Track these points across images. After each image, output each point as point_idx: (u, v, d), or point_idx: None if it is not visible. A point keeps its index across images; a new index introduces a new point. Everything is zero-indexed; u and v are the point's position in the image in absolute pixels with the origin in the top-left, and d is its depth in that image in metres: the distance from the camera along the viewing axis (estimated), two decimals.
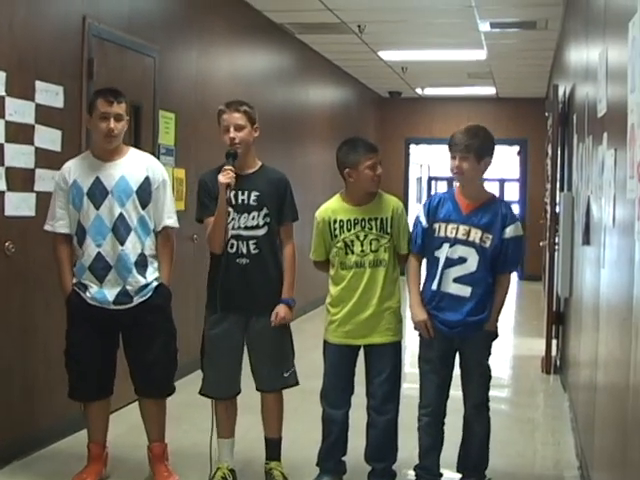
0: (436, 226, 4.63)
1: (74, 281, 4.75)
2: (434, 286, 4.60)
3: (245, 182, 4.81)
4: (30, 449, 5.42)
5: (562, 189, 8.24)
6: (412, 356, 8.46)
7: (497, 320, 4.65)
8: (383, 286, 4.75)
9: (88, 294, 4.70)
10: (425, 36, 11.02)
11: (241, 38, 9.16)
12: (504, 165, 19.77)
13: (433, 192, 27.02)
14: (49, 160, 5.48)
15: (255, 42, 9.71)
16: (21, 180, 5.25)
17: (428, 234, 4.66)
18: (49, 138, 5.50)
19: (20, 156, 5.22)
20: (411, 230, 4.81)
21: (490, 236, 4.54)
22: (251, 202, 4.78)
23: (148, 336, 4.76)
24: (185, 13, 7.64)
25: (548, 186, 10.88)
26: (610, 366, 3.92)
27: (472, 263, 4.55)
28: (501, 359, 9.07)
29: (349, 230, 4.77)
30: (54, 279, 5.44)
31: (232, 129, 4.78)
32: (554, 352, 8.39)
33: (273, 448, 4.99)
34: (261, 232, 4.78)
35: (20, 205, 5.25)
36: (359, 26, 10.19)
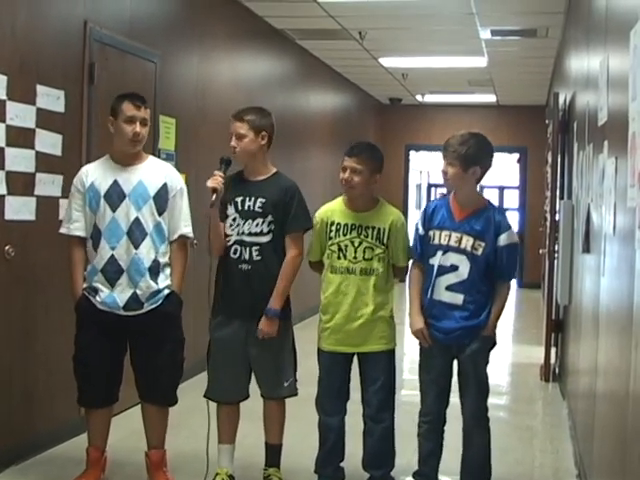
0: (431, 233, 4.61)
1: (84, 286, 4.73)
2: (428, 294, 4.59)
3: (253, 188, 4.81)
4: (29, 453, 5.41)
5: (562, 197, 8.24)
6: (410, 363, 8.50)
7: (495, 327, 4.61)
8: (374, 295, 4.74)
9: (98, 298, 4.68)
10: (426, 43, 11.03)
11: (242, 44, 9.17)
12: (504, 172, 19.80)
13: (432, 199, 27.06)
14: (50, 164, 5.48)
15: (256, 48, 9.73)
16: (22, 184, 5.25)
17: (425, 241, 4.65)
18: (50, 142, 5.50)
19: (21, 160, 5.22)
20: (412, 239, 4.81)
21: (482, 244, 4.50)
22: (256, 209, 4.78)
23: (156, 343, 4.74)
24: (186, 18, 7.65)
25: (548, 194, 10.88)
26: (610, 374, 3.92)
27: (463, 271, 4.51)
28: (500, 367, 9.07)
29: (344, 235, 4.77)
30: (54, 283, 5.46)
31: (233, 138, 4.80)
32: (553, 360, 8.38)
33: (273, 454, 4.99)
34: (265, 239, 4.78)
35: (20, 209, 5.25)
36: (360, 32, 10.20)
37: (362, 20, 9.64)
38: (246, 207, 4.78)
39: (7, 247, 5.13)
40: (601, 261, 4.28)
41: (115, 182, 4.71)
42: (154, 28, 7.01)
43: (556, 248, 8.02)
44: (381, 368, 4.81)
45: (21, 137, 5.22)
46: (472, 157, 4.49)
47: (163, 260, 4.77)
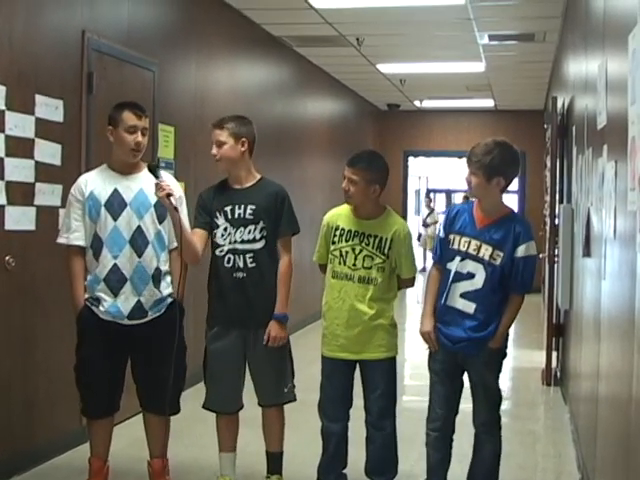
0: (451, 237, 4.55)
1: (86, 296, 4.70)
2: (442, 299, 4.53)
3: (241, 196, 4.82)
4: (30, 464, 5.40)
5: (561, 201, 8.25)
6: (412, 369, 8.51)
7: (502, 338, 4.53)
8: (373, 304, 4.72)
9: (101, 308, 4.66)
10: (423, 49, 11.05)
11: (240, 51, 9.18)
12: None
13: (432, 204, 27.06)
14: (49, 174, 5.48)
15: (254, 55, 9.74)
16: (21, 194, 5.25)
17: (444, 244, 4.59)
18: (49, 152, 5.50)
19: (20, 170, 5.22)
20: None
21: (501, 254, 4.41)
22: (247, 216, 4.78)
23: (159, 352, 4.71)
24: (184, 27, 7.66)
25: (547, 198, 10.89)
26: (612, 378, 3.91)
27: (479, 280, 4.44)
28: (502, 371, 9.04)
29: (347, 241, 4.77)
30: (55, 293, 5.45)
31: (214, 146, 4.82)
32: (554, 364, 8.38)
33: (274, 462, 4.98)
34: (258, 245, 4.78)
35: (20, 219, 5.25)
36: (357, 39, 10.22)
37: (360, 26, 9.65)
38: (236, 215, 4.78)
39: (7, 257, 5.13)
40: (602, 265, 4.28)
41: (115, 191, 4.69)
42: (152, 37, 7.02)
43: (556, 252, 8.03)
44: (381, 376, 4.80)
45: (20, 147, 5.22)
46: (496, 168, 4.39)
47: (164, 268, 4.77)
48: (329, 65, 12.53)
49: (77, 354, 4.77)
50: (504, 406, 7.50)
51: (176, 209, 4.57)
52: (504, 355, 4.63)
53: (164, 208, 4.73)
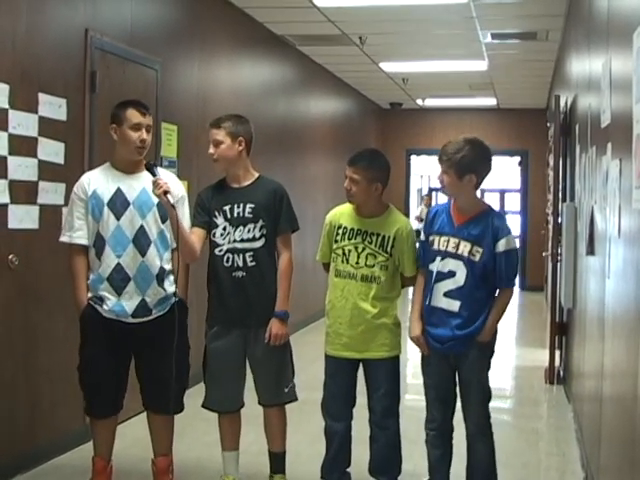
0: (431, 239, 4.55)
1: (89, 295, 4.68)
2: (427, 301, 4.53)
3: (239, 195, 4.81)
4: (34, 463, 5.40)
5: (564, 199, 8.24)
6: (414, 367, 8.48)
7: (490, 333, 4.49)
8: (376, 302, 4.71)
9: (105, 307, 4.64)
10: (426, 47, 11.04)
11: (242, 50, 9.18)
12: (505, 176, 19.82)
13: (434, 203, 27.07)
14: (52, 173, 5.48)
15: (256, 54, 9.73)
16: (24, 193, 5.25)
17: (427, 247, 4.59)
18: (52, 151, 5.50)
19: (23, 169, 5.22)
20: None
21: (480, 249, 4.40)
22: (246, 214, 4.77)
23: (162, 351, 4.69)
24: (187, 25, 7.66)
25: (550, 196, 10.88)
26: (617, 377, 3.91)
27: (460, 277, 4.43)
28: (504, 370, 9.06)
29: (349, 239, 4.76)
30: (58, 292, 5.45)
31: (211, 145, 4.82)
32: (557, 363, 8.37)
33: (277, 462, 4.98)
34: (258, 244, 4.77)
35: (24, 218, 5.24)
36: (360, 38, 10.21)
37: (362, 25, 9.65)
38: (235, 214, 4.77)
39: (11, 256, 5.13)
40: (606, 263, 4.28)
41: (118, 190, 4.68)
42: (155, 35, 7.02)
43: (559, 251, 8.02)
44: (384, 375, 4.79)
45: (24, 146, 5.22)
46: (467, 165, 4.38)
47: (167, 267, 4.76)
48: (332, 64, 12.53)
49: (80, 353, 4.76)
50: (507, 405, 7.57)
51: (173, 207, 4.56)
52: (493, 352, 4.59)
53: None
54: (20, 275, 5.24)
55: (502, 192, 22.72)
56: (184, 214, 4.81)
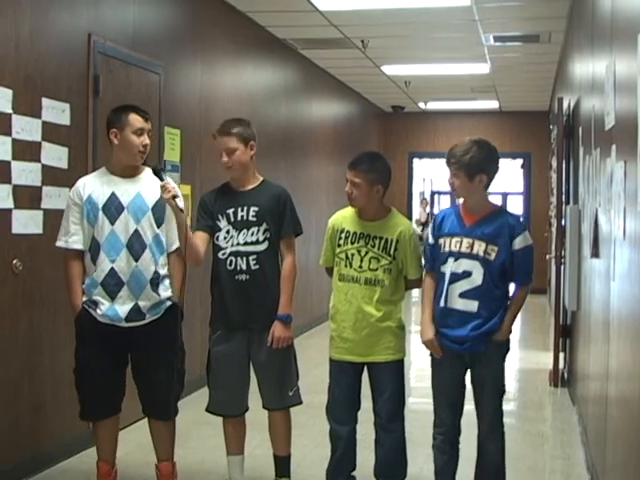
0: (441, 241, 4.52)
1: (84, 299, 4.69)
2: (441, 303, 4.49)
3: (243, 198, 4.81)
4: (38, 468, 5.40)
5: (568, 202, 8.23)
6: (418, 371, 8.49)
7: (508, 332, 4.52)
8: (380, 306, 4.70)
9: (99, 311, 4.64)
10: (428, 50, 11.04)
11: (245, 54, 9.18)
12: (508, 178, 19.82)
13: (436, 206, 27.07)
14: (56, 177, 5.48)
15: (259, 58, 9.74)
16: (28, 198, 5.25)
17: (435, 250, 4.57)
18: (56, 155, 5.50)
19: (27, 174, 5.22)
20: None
21: (495, 248, 4.40)
22: (250, 218, 4.77)
23: (157, 356, 4.71)
24: (189, 29, 7.66)
25: (553, 199, 10.89)
26: (622, 379, 3.90)
27: (477, 277, 4.41)
28: (508, 372, 9.02)
29: (352, 243, 4.75)
30: (62, 296, 5.44)
31: (224, 154, 4.78)
32: (562, 365, 8.37)
33: (282, 465, 4.97)
34: (261, 247, 4.76)
35: (28, 223, 5.24)
36: (362, 41, 10.22)
37: (364, 29, 9.65)
38: (239, 217, 4.77)
39: (15, 261, 5.13)
40: (611, 266, 4.27)
41: (113, 194, 4.68)
42: (157, 40, 7.02)
43: (563, 253, 8.02)
44: (389, 378, 4.78)
45: (27, 150, 5.22)
46: (476, 165, 4.39)
47: (162, 271, 4.75)
48: (334, 67, 12.53)
49: (75, 357, 4.76)
50: (511, 407, 7.55)
51: (182, 210, 4.56)
52: (508, 349, 4.60)
53: (162, 211, 4.72)
54: (24, 280, 5.24)
55: (505, 195, 22.69)
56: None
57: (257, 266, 4.75)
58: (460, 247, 4.45)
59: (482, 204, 4.54)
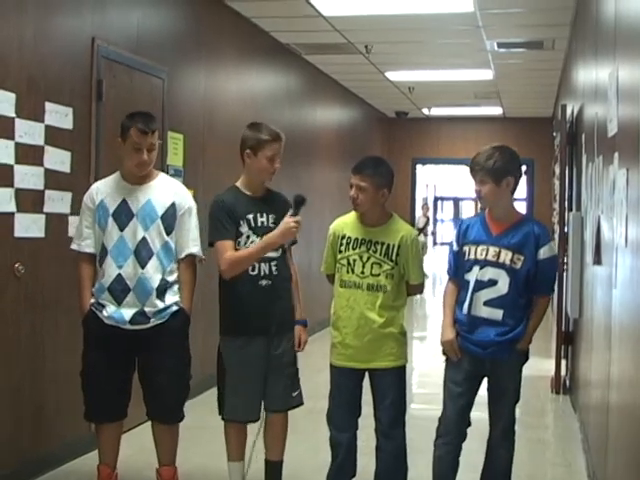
0: (466, 249, 4.52)
1: (92, 301, 4.71)
2: (465, 310, 4.49)
3: (260, 205, 4.79)
4: (39, 471, 5.40)
5: (570, 209, 8.23)
6: (420, 376, 8.49)
7: (531, 339, 4.52)
8: (383, 312, 4.69)
9: (105, 313, 4.65)
10: (432, 56, 11.05)
11: (248, 59, 9.19)
12: None
13: (439, 212, 27.09)
14: (59, 181, 5.49)
15: (262, 63, 9.74)
16: (31, 201, 5.25)
17: (459, 257, 4.57)
18: (59, 159, 5.50)
19: (30, 177, 5.22)
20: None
21: (522, 257, 4.40)
22: (270, 224, 4.76)
23: (162, 360, 4.71)
24: (193, 34, 7.67)
25: (555, 206, 10.88)
26: (624, 387, 3.90)
27: (503, 285, 4.42)
28: None
29: (354, 249, 4.75)
30: (64, 300, 5.46)
31: (277, 160, 4.83)
32: (564, 372, 8.35)
33: (276, 471, 4.93)
34: (278, 254, 4.78)
35: (30, 226, 5.25)
36: (366, 46, 10.22)
37: (368, 34, 9.66)
38: (259, 223, 4.75)
39: (17, 264, 5.13)
40: (613, 273, 4.26)
41: (124, 201, 4.70)
42: (161, 44, 7.02)
43: (565, 260, 8.01)
44: (390, 385, 4.77)
45: (30, 154, 5.22)
46: (502, 169, 4.43)
47: (171, 278, 4.75)
48: (338, 73, 12.54)
49: (83, 359, 4.78)
50: None
51: (285, 250, 4.72)
52: (527, 358, 4.63)
53: (172, 219, 4.73)
54: (26, 283, 5.24)
55: None
56: (190, 227, 4.80)
57: (277, 272, 4.76)
58: (486, 255, 4.45)
59: (509, 212, 4.57)
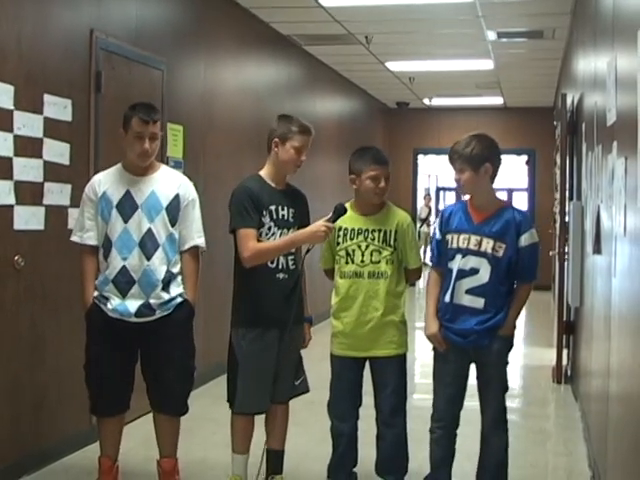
0: (449, 237, 4.55)
1: (95, 294, 4.70)
2: (447, 298, 4.52)
3: (281, 197, 4.79)
4: (40, 463, 5.41)
5: (571, 198, 8.22)
6: (422, 367, 8.49)
7: (513, 327, 4.55)
8: (384, 299, 4.72)
9: (109, 306, 4.64)
10: (432, 46, 11.03)
11: (248, 50, 9.18)
12: (512, 175, 19.80)
13: (441, 202, 27.04)
14: (58, 173, 5.49)
15: (262, 54, 9.73)
16: (30, 194, 5.25)
17: (442, 246, 4.59)
18: (58, 151, 5.50)
19: (29, 170, 5.22)
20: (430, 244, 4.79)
21: (503, 245, 4.42)
22: (290, 218, 4.77)
23: (167, 352, 4.71)
24: (192, 25, 7.65)
25: (557, 195, 10.86)
26: (623, 375, 3.90)
27: (484, 274, 4.44)
28: (511, 369, 9.01)
29: (352, 239, 4.77)
30: (64, 292, 5.46)
31: (304, 153, 4.96)
32: (565, 362, 8.36)
33: (278, 460, 4.93)
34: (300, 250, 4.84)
35: (29, 219, 5.25)
36: (366, 37, 10.21)
37: (368, 24, 9.64)
38: (280, 216, 4.74)
39: (16, 257, 5.13)
40: (612, 262, 4.27)
41: (127, 192, 4.69)
42: (160, 36, 7.01)
43: (566, 250, 8.00)
44: (391, 373, 4.79)
45: (29, 147, 5.22)
46: (479, 156, 4.44)
47: (175, 270, 4.75)
48: (338, 63, 12.52)
49: (86, 352, 4.77)
50: (514, 404, 7.54)
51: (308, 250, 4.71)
52: (512, 345, 4.62)
53: (176, 210, 4.72)
54: (26, 276, 5.24)
55: (510, 191, 22.68)
56: (194, 219, 4.80)
57: (294, 266, 4.77)
58: (468, 244, 4.48)
59: (490, 200, 4.57)
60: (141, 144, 4.64)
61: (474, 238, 4.47)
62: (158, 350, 4.73)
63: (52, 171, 5.43)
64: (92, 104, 5.89)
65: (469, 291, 4.47)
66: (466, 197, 4.67)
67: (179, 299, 4.74)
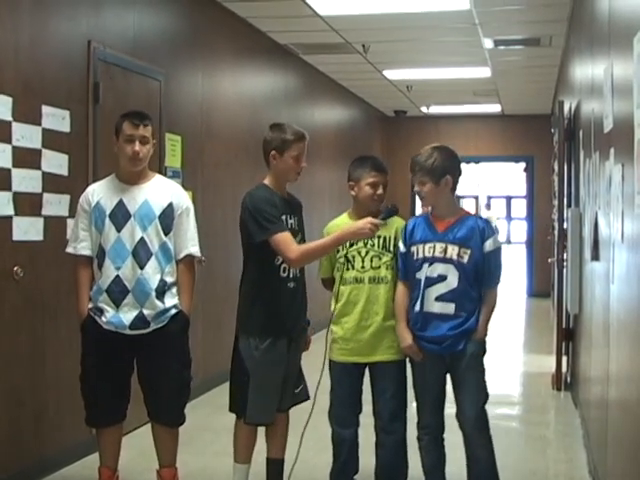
0: (414, 249, 4.60)
1: (90, 306, 4.70)
2: (417, 307, 4.56)
3: (288, 206, 4.79)
4: (40, 474, 5.40)
5: (569, 205, 8.23)
6: None
7: (485, 330, 4.56)
8: (385, 304, 4.73)
9: (104, 318, 4.64)
10: (430, 54, 11.04)
11: (246, 60, 9.19)
12: (511, 182, 19.83)
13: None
14: (56, 184, 5.49)
15: (260, 63, 9.74)
16: (29, 205, 5.26)
17: (408, 258, 4.64)
18: (56, 162, 5.51)
19: (27, 181, 5.23)
20: None
21: (468, 251, 4.50)
22: (295, 227, 4.79)
23: (162, 363, 4.71)
24: (190, 36, 7.67)
25: (555, 202, 10.88)
26: (622, 382, 3.90)
27: (452, 280, 4.50)
28: (511, 376, 9.04)
29: (351, 245, 4.78)
30: (63, 303, 5.46)
31: (303, 159, 4.97)
32: (564, 369, 8.35)
33: (278, 469, 4.92)
34: None
35: (28, 230, 5.25)
36: (363, 46, 10.22)
37: (365, 33, 9.65)
38: (289, 225, 4.72)
39: (16, 268, 5.14)
40: (610, 269, 4.27)
41: (120, 201, 4.70)
42: (158, 46, 7.03)
43: (565, 256, 8.01)
44: (390, 378, 4.79)
45: (27, 158, 5.23)
46: (440, 168, 4.54)
47: (170, 280, 4.75)
48: (335, 72, 12.54)
49: (81, 364, 4.77)
50: (514, 411, 7.55)
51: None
52: (485, 350, 4.64)
53: (170, 219, 4.73)
54: (25, 286, 5.24)
55: (508, 198, 22.73)
56: (188, 227, 4.81)
57: (300, 274, 4.79)
58: (434, 252, 4.55)
59: (451, 209, 4.67)
60: (132, 147, 4.65)
61: (439, 246, 4.54)
62: (153, 362, 4.73)
63: (51, 182, 5.44)
64: (90, 115, 5.90)
65: (439, 298, 4.52)
66: (428, 208, 4.76)
67: (173, 310, 4.73)
